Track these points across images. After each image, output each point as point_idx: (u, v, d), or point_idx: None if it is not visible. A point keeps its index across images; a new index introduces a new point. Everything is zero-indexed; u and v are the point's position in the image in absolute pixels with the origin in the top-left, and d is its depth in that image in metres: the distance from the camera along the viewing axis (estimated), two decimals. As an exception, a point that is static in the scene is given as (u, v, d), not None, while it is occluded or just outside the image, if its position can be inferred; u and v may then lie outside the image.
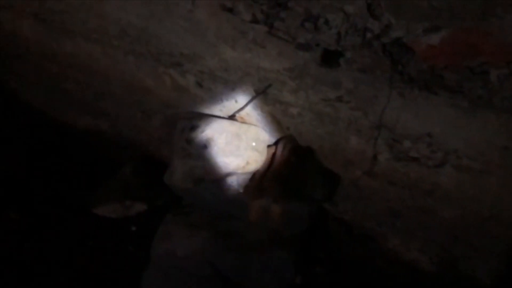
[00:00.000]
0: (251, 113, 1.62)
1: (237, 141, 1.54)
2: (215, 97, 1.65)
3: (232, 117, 1.64)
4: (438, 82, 1.23)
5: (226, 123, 1.58)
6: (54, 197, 2.12)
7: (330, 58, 1.33)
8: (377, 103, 1.36)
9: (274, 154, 1.61)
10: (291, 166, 1.60)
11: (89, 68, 1.94)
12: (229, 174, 1.55)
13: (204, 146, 1.51)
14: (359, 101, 1.38)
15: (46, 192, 2.14)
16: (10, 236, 1.97)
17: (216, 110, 1.68)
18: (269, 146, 1.64)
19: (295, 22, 1.30)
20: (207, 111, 1.70)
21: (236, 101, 1.61)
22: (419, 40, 1.17)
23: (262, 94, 1.54)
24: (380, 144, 1.46)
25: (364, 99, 1.37)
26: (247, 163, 1.55)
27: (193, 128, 1.55)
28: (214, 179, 1.54)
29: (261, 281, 1.67)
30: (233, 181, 1.57)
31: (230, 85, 1.59)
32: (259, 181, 1.59)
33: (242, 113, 1.63)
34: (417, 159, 1.43)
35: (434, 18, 1.11)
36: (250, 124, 1.63)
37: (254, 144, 1.57)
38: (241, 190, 1.59)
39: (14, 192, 2.12)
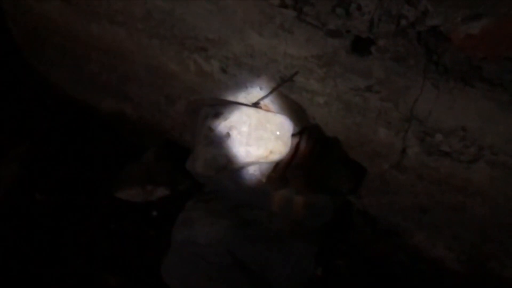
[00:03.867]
0: (276, 101, 1.58)
1: (261, 129, 1.51)
2: (239, 83, 1.62)
3: (256, 105, 1.60)
4: (475, 73, 1.16)
5: (250, 111, 1.54)
6: (78, 180, 2.15)
7: (361, 46, 1.28)
8: (409, 94, 1.30)
9: (298, 144, 1.58)
10: (316, 157, 1.56)
11: (113, 51, 1.93)
12: (251, 163, 1.52)
13: (227, 134, 1.48)
14: (390, 91, 1.33)
15: (70, 175, 2.17)
16: (34, 217, 2.01)
17: (240, 97, 1.65)
18: (293, 135, 1.60)
19: (326, 7, 1.24)
20: (231, 97, 1.67)
21: (260, 88, 1.58)
22: (458, 29, 1.10)
23: (288, 82, 1.50)
24: (410, 137, 1.40)
25: (396, 89, 1.31)
26: (271, 152, 1.51)
27: (216, 115, 1.52)
28: (237, 167, 1.52)
29: (281, 271, 1.65)
30: (256, 171, 1.54)
31: (255, 72, 1.55)
32: (282, 171, 1.57)
33: (267, 100, 1.59)
34: (449, 153, 1.37)
35: (476, 5, 1.04)
36: (275, 112, 1.59)
37: (278, 133, 1.53)
38: (264, 180, 1.57)
39: (39, 174, 2.15)
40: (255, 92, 1.59)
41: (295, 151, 1.57)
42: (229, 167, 1.51)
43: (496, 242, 1.53)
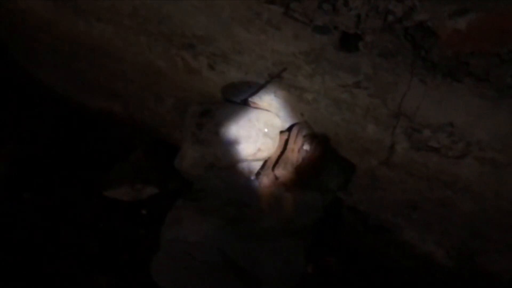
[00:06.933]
0: (264, 98, 1.57)
1: (249, 127, 1.50)
2: (227, 80, 1.61)
3: (244, 102, 1.59)
4: (463, 69, 1.16)
5: (238, 108, 1.53)
6: (66, 179, 2.13)
7: (348, 42, 1.27)
8: (397, 90, 1.30)
9: (287, 141, 1.57)
10: (305, 154, 1.55)
11: (101, 48, 1.91)
12: (240, 161, 1.51)
13: (215, 132, 1.47)
14: (378, 87, 1.32)
15: (58, 174, 2.15)
16: (22, 216, 1.99)
17: (228, 94, 1.63)
18: (282, 132, 1.59)
19: (313, 3, 1.23)
20: (219, 95, 1.66)
21: (249, 85, 1.56)
22: (445, 24, 1.10)
23: (276, 79, 1.49)
24: (398, 133, 1.40)
25: (383, 85, 1.31)
26: (259, 149, 1.51)
27: (204, 113, 1.51)
28: (225, 165, 1.51)
29: (272, 269, 1.64)
30: (245, 168, 1.53)
31: (243, 68, 1.54)
32: (271, 168, 1.56)
33: (255, 98, 1.58)
34: (437, 149, 1.37)
35: (463, 0, 1.03)
36: (263, 109, 1.58)
37: (266, 130, 1.52)
38: (253, 177, 1.56)
39: (27, 173, 2.13)
40: (243, 89, 1.58)
41: (283, 148, 1.56)
42: (217, 165, 1.50)
43: (484, 237, 1.53)
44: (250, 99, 1.58)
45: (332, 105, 1.46)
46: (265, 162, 1.58)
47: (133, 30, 1.72)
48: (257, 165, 1.56)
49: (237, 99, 1.60)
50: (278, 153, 1.56)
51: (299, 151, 1.54)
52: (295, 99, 1.52)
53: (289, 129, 1.60)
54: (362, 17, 1.19)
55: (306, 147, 1.54)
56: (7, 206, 2.00)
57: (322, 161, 1.57)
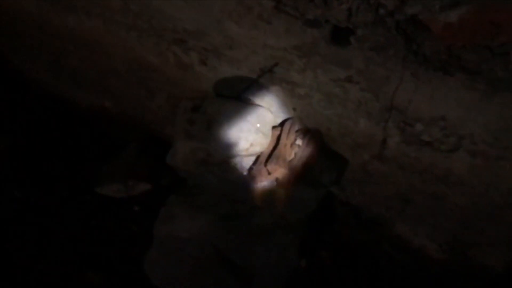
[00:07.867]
0: (256, 93, 1.56)
1: (241, 122, 1.49)
2: (219, 76, 1.60)
3: (236, 97, 1.58)
4: (454, 62, 1.16)
5: (230, 104, 1.52)
6: (58, 176, 2.12)
7: (340, 36, 1.26)
8: (389, 84, 1.29)
9: (279, 136, 1.56)
10: (297, 149, 1.54)
11: (92, 44, 1.89)
12: (232, 157, 1.50)
13: (207, 127, 1.46)
14: (370, 81, 1.32)
15: (50, 171, 2.13)
16: (14, 214, 1.97)
17: (220, 89, 1.62)
18: (274, 127, 1.58)
19: (304, -3, 1.22)
20: (210, 90, 1.65)
21: (241, 81, 1.55)
22: (436, 17, 1.09)
23: (268, 73, 1.48)
24: (391, 127, 1.39)
25: (375, 79, 1.30)
26: (251, 145, 1.50)
27: (196, 108, 1.50)
28: (218, 161, 1.50)
29: (265, 264, 1.65)
30: (237, 164, 1.53)
31: (235, 63, 1.53)
32: (263, 163, 1.55)
33: (247, 93, 1.57)
34: (430, 143, 1.37)
35: (454, -7, 1.03)
36: (255, 104, 1.57)
37: (258, 125, 1.51)
38: (245, 173, 1.55)
39: (19, 170, 2.11)
40: (235, 84, 1.57)
41: (276, 144, 1.56)
42: (209, 161, 1.49)
43: (477, 230, 1.54)
44: (242, 95, 1.57)
45: (324, 99, 1.45)
46: (258, 157, 1.57)
47: (124, 25, 1.70)
48: (249, 161, 1.55)
49: (229, 94, 1.59)
50: (271, 148, 1.55)
51: (291, 146, 1.54)
52: (287, 94, 1.52)
53: (282, 124, 1.59)
54: (353, 11, 1.18)
55: (299, 142, 1.53)
56: (-2, 204, 1.99)
57: (315, 156, 1.56)
